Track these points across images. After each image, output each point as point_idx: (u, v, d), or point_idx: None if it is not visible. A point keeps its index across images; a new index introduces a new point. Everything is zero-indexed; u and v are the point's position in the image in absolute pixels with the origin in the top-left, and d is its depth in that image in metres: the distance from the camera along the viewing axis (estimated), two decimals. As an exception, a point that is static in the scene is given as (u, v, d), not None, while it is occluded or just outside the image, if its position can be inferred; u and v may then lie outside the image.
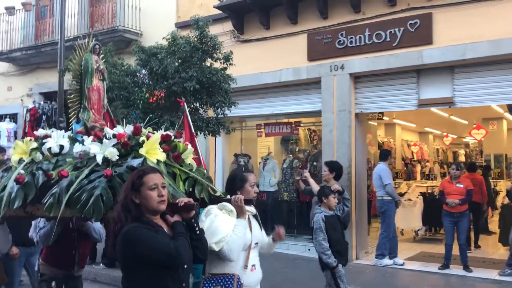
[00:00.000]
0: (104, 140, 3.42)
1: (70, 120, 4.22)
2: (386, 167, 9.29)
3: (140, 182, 2.86)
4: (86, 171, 3.26)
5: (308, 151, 11.99)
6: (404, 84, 9.29)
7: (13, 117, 14.85)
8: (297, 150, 12.14)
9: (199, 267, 5.40)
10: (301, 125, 11.41)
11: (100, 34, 11.70)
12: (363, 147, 10.29)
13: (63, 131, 3.93)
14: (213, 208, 3.40)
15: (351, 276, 7.04)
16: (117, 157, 3.30)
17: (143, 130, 3.54)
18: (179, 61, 7.84)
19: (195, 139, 6.22)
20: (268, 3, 10.36)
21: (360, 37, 9.42)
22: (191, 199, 3.06)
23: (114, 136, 3.44)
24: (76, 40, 11.50)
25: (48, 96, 14.00)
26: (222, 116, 8.60)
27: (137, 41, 10.25)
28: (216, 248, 3.26)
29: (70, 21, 13.03)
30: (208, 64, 8.23)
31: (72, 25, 13.05)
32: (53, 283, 4.36)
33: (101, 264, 8.80)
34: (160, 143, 3.42)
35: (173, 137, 3.56)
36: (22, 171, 3.51)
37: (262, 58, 10.58)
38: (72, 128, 4.13)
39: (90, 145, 3.45)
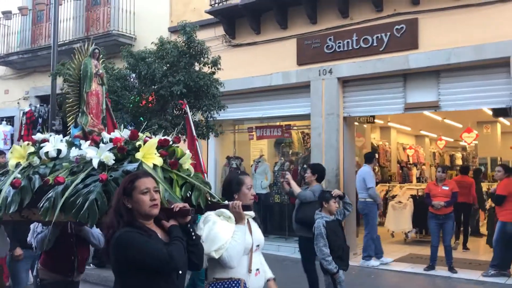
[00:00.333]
0: (101, 145, 3.41)
1: (68, 125, 4.25)
2: (370, 170, 9.43)
3: (132, 187, 2.84)
4: (82, 176, 3.25)
5: (301, 154, 12.13)
6: (391, 88, 9.44)
7: (10, 120, 15.01)
8: (290, 152, 12.28)
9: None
10: (295, 128, 11.62)
11: (95, 38, 11.82)
12: (352, 150, 10.43)
13: (61, 135, 3.94)
14: (211, 215, 3.36)
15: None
16: (113, 162, 3.29)
17: (140, 134, 3.53)
18: (168, 65, 7.98)
19: (196, 142, 6.29)
20: (259, 9, 10.52)
21: (348, 42, 9.58)
22: (186, 204, 3.02)
23: (111, 140, 3.43)
24: (72, 44, 11.83)
25: (44, 99, 14.14)
26: (211, 119, 8.75)
27: (130, 45, 10.37)
28: (216, 256, 3.22)
29: (66, 25, 13.21)
30: (197, 68, 8.39)
31: (68, 29, 13.22)
32: None
33: (91, 264, 8.91)
34: (158, 148, 3.40)
35: (171, 142, 3.54)
36: (19, 175, 3.51)
37: (253, 62, 10.74)
38: (70, 132, 4.15)
39: (86, 149, 3.45)
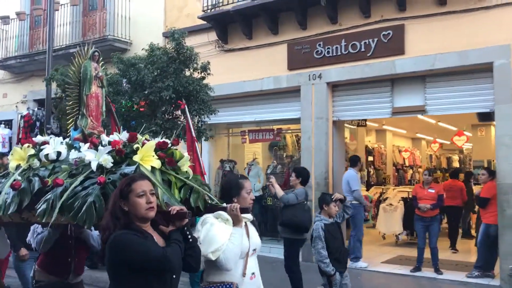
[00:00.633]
0: (99, 147, 3.44)
1: (68, 128, 4.29)
2: (355, 173, 9.60)
3: (128, 189, 2.85)
4: (80, 178, 3.26)
5: (295, 157, 12.28)
6: (379, 92, 9.61)
7: (8, 123, 15.18)
8: (284, 155, 12.44)
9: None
10: (289, 131, 11.82)
11: (91, 43, 12.00)
12: (341, 153, 10.60)
13: (61, 138, 3.95)
14: (209, 217, 3.38)
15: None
16: (111, 164, 3.30)
17: (139, 137, 3.56)
18: (158, 71, 8.16)
19: (196, 144, 6.33)
20: (250, 14, 10.68)
21: (336, 47, 9.75)
22: (183, 207, 3.03)
23: (110, 143, 3.46)
24: (69, 49, 12.00)
25: (42, 103, 14.24)
26: (202, 123, 8.92)
27: (120, 51, 10.55)
28: (213, 258, 3.24)
29: (63, 30, 13.42)
30: (188, 74, 8.57)
31: (65, 34, 13.42)
32: None
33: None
34: (156, 151, 3.42)
35: (170, 145, 3.56)
36: (19, 177, 3.53)
37: (244, 67, 10.91)
38: (69, 135, 4.17)
39: (85, 152, 3.47)
